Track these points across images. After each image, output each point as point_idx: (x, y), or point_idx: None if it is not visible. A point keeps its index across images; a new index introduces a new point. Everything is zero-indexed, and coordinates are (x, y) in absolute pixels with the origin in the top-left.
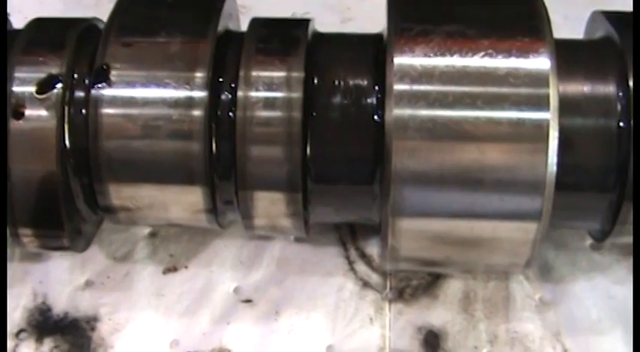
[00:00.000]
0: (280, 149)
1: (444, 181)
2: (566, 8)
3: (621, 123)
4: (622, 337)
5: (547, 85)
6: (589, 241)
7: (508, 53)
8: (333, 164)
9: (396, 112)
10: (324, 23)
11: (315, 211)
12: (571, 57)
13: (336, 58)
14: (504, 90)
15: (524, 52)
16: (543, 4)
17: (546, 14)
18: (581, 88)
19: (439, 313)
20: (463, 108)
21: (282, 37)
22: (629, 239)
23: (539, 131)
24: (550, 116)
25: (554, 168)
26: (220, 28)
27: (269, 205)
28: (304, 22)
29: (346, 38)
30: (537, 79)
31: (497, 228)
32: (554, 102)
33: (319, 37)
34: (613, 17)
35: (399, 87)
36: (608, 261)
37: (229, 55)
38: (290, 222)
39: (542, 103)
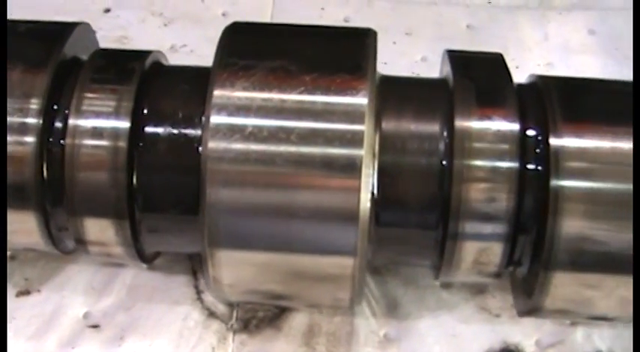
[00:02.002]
0: (106, 177)
1: (257, 214)
2: (448, 47)
3: (444, 162)
4: None
5: (362, 122)
6: None
7: (327, 90)
8: (158, 194)
9: (211, 145)
10: (203, 55)
11: (146, 241)
12: (402, 95)
13: (169, 89)
14: (319, 126)
15: (342, 89)
16: (374, 41)
17: (373, 51)
18: (407, 126)
19: (281, 345)
20: (277, 143)
21: (118, 67)
22: (458, 277)
23: (352, 168)
24: (363, 153)
25: (368, 204)
26: (67, 56)
27: (99, 232)
28: (144, 54)
29: (183, 70)
30: (353, 116)
31: (314, 263)
32: (368, 139)
33: (157, 68)
34: (455, 57)
35: (215, 119)
36: (456, 300)
37: (68, 84)
38: (122, 251)
39: (356, 140)
